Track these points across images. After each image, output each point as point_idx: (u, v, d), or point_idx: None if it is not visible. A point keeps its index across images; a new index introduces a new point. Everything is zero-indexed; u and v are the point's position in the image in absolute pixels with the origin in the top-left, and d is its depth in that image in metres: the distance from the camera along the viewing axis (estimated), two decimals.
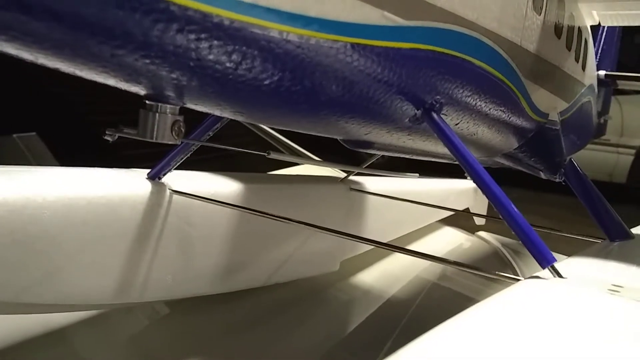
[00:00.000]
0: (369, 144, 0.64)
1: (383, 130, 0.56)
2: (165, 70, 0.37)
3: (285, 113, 0.46)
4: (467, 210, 1.39)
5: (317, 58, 0.40)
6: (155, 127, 0.43)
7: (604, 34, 1.42)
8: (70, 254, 0.61)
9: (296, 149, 1.47)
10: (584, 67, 0.92)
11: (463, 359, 0.29)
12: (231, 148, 0.66)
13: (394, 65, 0.46)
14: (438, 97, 0.52)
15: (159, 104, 0.42)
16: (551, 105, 0.79)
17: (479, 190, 1.51)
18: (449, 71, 0.52)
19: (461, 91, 0.55)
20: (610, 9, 0.82)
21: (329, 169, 1.41)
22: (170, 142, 0.44)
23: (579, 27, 0.83)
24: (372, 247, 1.08)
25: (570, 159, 0.79)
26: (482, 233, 1.39)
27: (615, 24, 0.90)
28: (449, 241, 1.34)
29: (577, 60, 0.85)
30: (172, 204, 0.70)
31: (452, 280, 1.12)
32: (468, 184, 1.48)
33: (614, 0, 0.81)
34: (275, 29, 0.36)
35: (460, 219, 1.45)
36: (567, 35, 0.77)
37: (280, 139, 1.57)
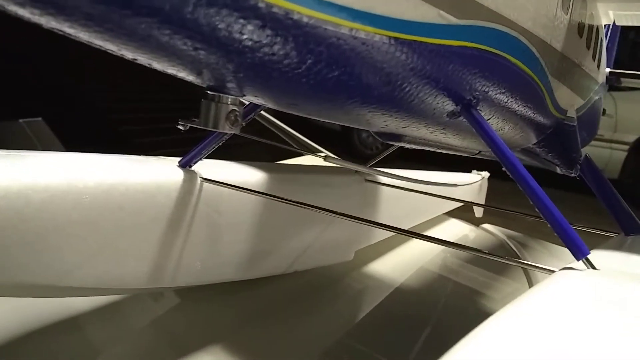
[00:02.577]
0: (401, 137, 0.66)
1: (421, 124, 0.58)
2: (234, 65, 0.38)
3: (338, 106, 0.48)
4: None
5: (378, 55, 0.42)
6: (213, 116, 0.44)
7: (610, 32, 1.45)
8: (109, 239, 0.62)
9: (310, 144, 1.48)
10: (598, 66, 0.94)
11: (532, 350, 0.31)
12: (264, 141, 0.67)
13: (443, 62, 0.47)
14: (477, 93, 0.54)
15: (220, 95, 0.44)
16: (570, 102, 0.81)
17: (483, 183, 1.53)
18: (489, 68, 0.53)
19: (497, 88, 0.57)
20: (626, 9, 0.84)
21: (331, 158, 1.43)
22: (226, 131, 0.46)
23: (596, 27, 0.85)
24: (384, 237, 1.11)
25: (586, 155, 0.81)
26: (486, 225, 1.42)
27: (630, 24, 0.92)
28: (456, 233, 1.37)
29: (593, 58, 0.88)
30: (202, 192, 0.71)
31: (461, 269, 1.15)
32: (472, 177, 1.51)
33: (632, 1, 0.83)
34: (346, 26, 0.37)
35: (463, 212, 1.48)
36: (587, 34, 0.79)
37: (291, 132, 1.59)
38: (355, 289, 0.97)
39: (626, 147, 3.65)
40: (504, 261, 0.60)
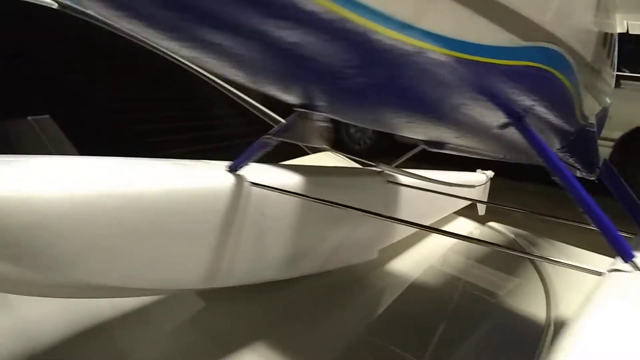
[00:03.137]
0: (445, 145, 0.70)
1: (472, 135, 0.62)
2: (329, 89, 0.41)
3: (410, 122, 0.51)
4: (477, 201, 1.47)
5: (457, 76, 0.45)
6: (304, 131, 0.47)
7: None
8: (173, 243, 0.65)
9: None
10: (613, 72, 0.99)
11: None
12: (321, 146, 0.70)
13: (507, 80, 0.51)
14: (528, 106, 0.58)
15: (310, 112, 0.47)
16: (592, 109, 0.86)
17: (487, 182, 1.58)
18: (540, 83, 0.57)
19: (543, 101, 0.61)
20: None
21: (341, 157, 1.47)
22: (317, 146, 0.49)
23: (614, 35, 0.89)
24: (404, 236, 1.15)
25: (605, 159, 0.86)
26: (492, 224, 1.46)
27: None
28: (465, 231, 1.41)
29: (611, 66, 0.92)
30: (250, 196, 0.74)
31: (473, 266, 1.20)
32: (479, 176, 1.56)
33: None
34: (438, 51, 0.41)
35: (466, 211, 1.52)
36: (609, 43, 0.84)
37: None
38: (377, 287, 1.01)
39: (611, 143, 3.76)
40: (542, 260, 0.63)
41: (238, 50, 0.36)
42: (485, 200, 1.55)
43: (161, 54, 1.94)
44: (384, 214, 0.95)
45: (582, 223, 0.93)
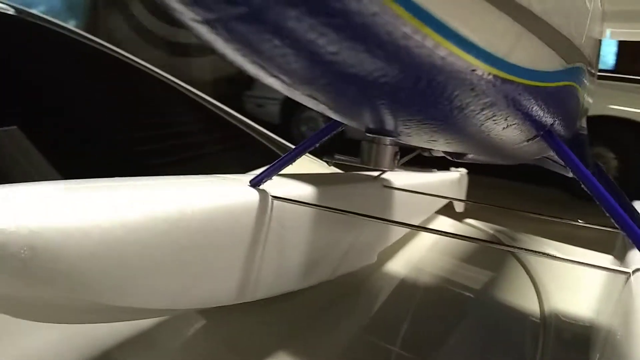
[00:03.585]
0: (466, 155, 0.73)
1: (498, 148, 0.65)
2: (400, 117, 0.43)
3: (463, 140, 0.54)
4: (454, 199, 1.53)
5: (506, 100, 0.47)
6: (375, 155, 0.49)
7: None
8: (210, 261, 0.65)
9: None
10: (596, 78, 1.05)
11: None
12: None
13: (548, 100, 0.55)
14: (555, 120, 0.62)
15: (379, 137, 0.49)
16: (585, 113, 0.91)
17: (462, 180, 1.64)
18: (568, 99, 0.61)
19: (566, 114, 0.65)
20: (625, 27, 0.95)
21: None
22: (388, 170, 0.51)
23: (600, 42, 0.95)
24: (398, 238, 1.18)
25: (596, 161, 0.92)
26: (470, 220, 1.52)
27: (621, 39, 1.03)
28: (446, 228, 1.46)
29: (595, 74, 0.99)
30: (273, 209, 0.75)
31: (457, 263, 1.25)
32: (453, 175, 1.62)
33: (628, 21, 0.94)
34: (499, 76, 0.43)
35: (443, 209, 1.57)
36: (598, 52, 0.89)
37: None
38: (374, 290, 1.04)
39: None
40: (567, 261, 0.66)
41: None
42: (464, 197, 1.61)
43: (124, 58, 1.90)
44: (383, 217, 0.98)
45: (567, 220, 0.99)
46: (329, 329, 0.84)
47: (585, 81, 0.69)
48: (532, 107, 0.52)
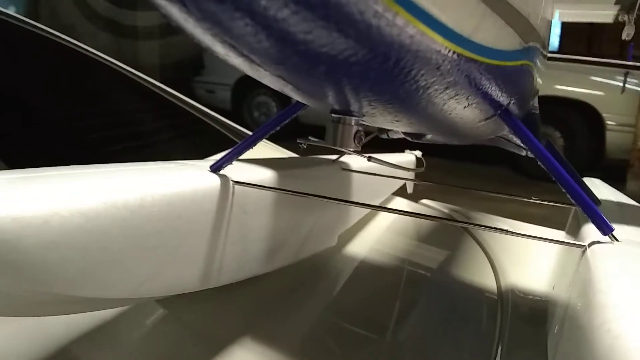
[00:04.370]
0: (425, 135, 0.74)
1: (455, 128, 0.66)
2: (367, 97, 0.43)
3: (426, 119, 0.54)
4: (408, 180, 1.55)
5: (467, 78, 0.48)
6: (340, 136, 0.49)
7: None
8: (173, 248, 0.64)
9: None
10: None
11: None
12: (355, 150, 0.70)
13: (506, 79, 0.56)
14: (512, 99, 0.63)
15: (345, 117, 0.49)
16: (537, 92, 0.94)
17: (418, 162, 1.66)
18: (524, 78, 0.63)
19: (521, 93, 0.67)
20: (572, 8, 0.98)
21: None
22: (351, 150, 0.51)
23: (550, 23, 0.98)
24: (356, 220, 1.19)
25: (547, 140, 0.95)
26: (425, 201, 1.55)
27: (569, 20, 1.06)
28: (404, 209, 1.48)
29: (546, 55, 1.01)
30: (234, 195, 0.74)
31: (417, 243, 1.27)
32: (407, 157, 1.64)
33: (576, 2, 0.97)
34: (462, 55, 0.43)
35: (398, 190, 1.59)
36: (549, 33, 0.92)
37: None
38: (334, 273, 1.05)
39: None
40: (510, 234, 0.68)
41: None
42: (419, 178, 1.63)
43: (69, 44, 1.83)
44: (343, 200, 0.99)
45: (522, 197, 1.02)
46: (292, 312, 0.85)
47: (539, 61, 0.71)
48: (492, 86, 0.53)
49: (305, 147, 0.59)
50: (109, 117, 1.66)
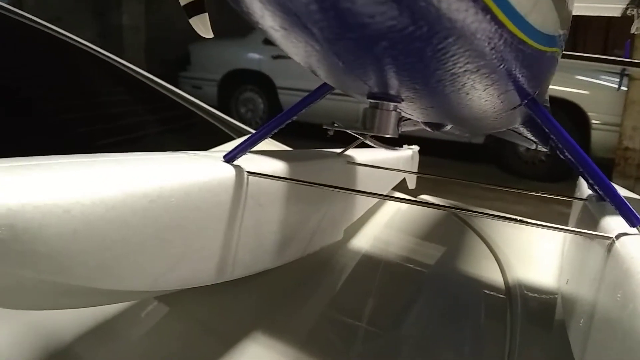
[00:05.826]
0: (445, 127, 0.72)
1: (485, 116, 0.65)
2: (417, 77, 0.41)
3: (460, 107, 0.53)
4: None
5: (516, 60, 0.46)
6: (378, 121, 0.47)
7: None
8: (190, 240, 0.62)
9: None
10: None
11: None
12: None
13: (542, 65, 0.54)
14: (541, 87, 0.62)
15: (383, 102, 0.47)
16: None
17: (414, 156, 1.66)
18: (553, 66, 0.62)
19: (547, 82, 0.65)
20: (582, 1, 0.97)
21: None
22: (390, 135, 0.49)
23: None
24: (362, 213, 1.18)
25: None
26: (425, 196, 1.54)
27: (580, 13, 1.05)
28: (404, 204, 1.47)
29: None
30: (248, 186, 0.72)
31: (416, 240, 1.26)
32: (405, 152, 1.63)
33: None
34: (515, 34, 0.42)
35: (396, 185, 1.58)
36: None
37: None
38: (342, 267, 1.03)
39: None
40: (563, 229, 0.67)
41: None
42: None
43: (58, 35, 1.79)
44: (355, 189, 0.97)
45: (525, 190, 1.02)
46: (298, 307, 0.83)
47: (561, 51, 0.70)
48: (529, 72, 0.51)
49: (332, 133, 0.57)
50: (102, 110, 1.62)
